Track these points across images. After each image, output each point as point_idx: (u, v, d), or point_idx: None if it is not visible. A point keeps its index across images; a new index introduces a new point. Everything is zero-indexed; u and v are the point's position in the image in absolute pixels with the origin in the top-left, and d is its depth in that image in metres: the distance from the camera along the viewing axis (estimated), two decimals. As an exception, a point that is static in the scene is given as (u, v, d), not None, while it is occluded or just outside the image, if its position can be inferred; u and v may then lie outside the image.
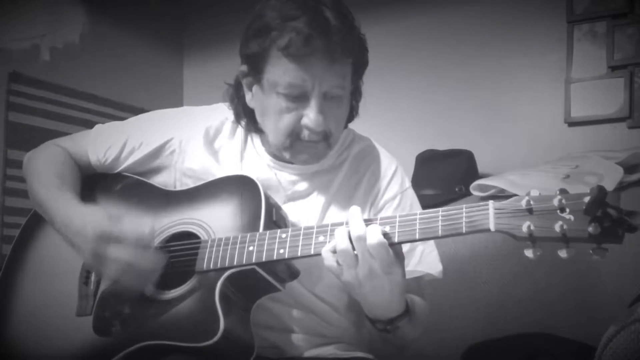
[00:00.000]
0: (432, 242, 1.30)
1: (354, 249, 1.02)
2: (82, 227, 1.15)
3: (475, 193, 1.95)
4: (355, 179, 1.32)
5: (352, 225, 1.03)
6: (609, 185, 1.63)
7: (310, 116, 1.17)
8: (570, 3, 2.28)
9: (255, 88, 1.24)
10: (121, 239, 1.11)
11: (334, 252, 1.04)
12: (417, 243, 1.27)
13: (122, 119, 1.45)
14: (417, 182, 2.18)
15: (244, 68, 1.24)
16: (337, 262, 1.04)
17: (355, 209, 1.05)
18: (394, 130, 2.54)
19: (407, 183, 1.36)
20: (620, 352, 1.03)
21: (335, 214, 1.27)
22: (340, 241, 1.03)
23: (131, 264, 1.11)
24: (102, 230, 1.12)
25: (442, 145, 2.31)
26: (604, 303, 1.62)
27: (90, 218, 1.15)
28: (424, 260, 1.28)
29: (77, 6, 2.70)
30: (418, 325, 1.21)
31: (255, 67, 1.20)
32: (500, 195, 1.78)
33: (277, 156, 1.30)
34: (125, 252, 1.11)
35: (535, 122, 2.34)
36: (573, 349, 1.55)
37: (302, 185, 1.30)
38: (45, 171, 1.32)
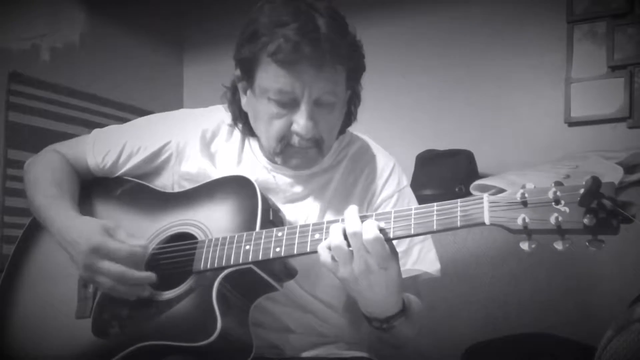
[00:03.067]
0: (430, 241, 1.30)
1: (349, 245, 1.02)
2: (77, 238, 1.18)
3: (476, 193, 1.95)
4: (352, 179, 1.32)
5: (347, 222, 1.02)
6: (609, 185, 1.63)
7: (300, 122, 1.17)
8: (570, 3, 2.28)
9: (249, 92, 1.25)
10: (112, 255, 1.14)
11: (329, 248, 1.04)
12: (415, 242, 1.27)
13: (122, 119, 1.45)
14: (417, 182, 2.19)
15: (238, 72, 1.25)
16: (333, 258, 1.04)
17: (352, 207, 1.05)
18: (394, 131, 2.54)
19: (405, 182, 1.35)
20: (620, 352, 1.03)
21: (333, 215, 1.27)
22: (334, 237, 1.03)
23: (120, 280, 1.13)
24: (96, 244, 1.14)
25: (442, 145, 2.31)
26: (604, 303, 1.62)
27: (86, 231, 1.17)
28: (422, 259, 1.27)
29: (77, 6, 2.69)
30: (414, 325, 1.21)
31: (248, 72, 1.21)
32: (500, 195, 1.78)
33: (272, 159, 1.30)
34: (116, 268, 1.13)
35: (535, 122, 2.34)
36: (573, 349, 1.55)
37: (300, 187, 1.30)
38: (43, 179, 1.33)
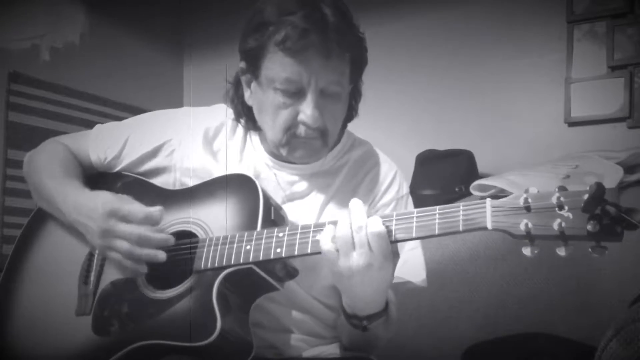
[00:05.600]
0: (419, 250, 1.30)
1: (352, 238, 1.02)
2: (92, 207, 1.18)
3: (475, 193, 1.95)
4: (353, 183, 1.32)
5: (354, 216, 1.03)
6: (609, 185, 1.63)
7: (306, 112, 1.17)
8: (570, 3, 2.28)
9: (253, 85, 1.24)
10: (130, 217, 1.14)
11: (333, 239, 1.04)
12: (404, 250, 1.26)
13: (122, 119, 1.45)
14: (417, 182, 2.19)
15: (243, 64, 1.25)
16: (336, 248, 1.04)
17: (356, 201, 1.05)
18: (394, 130, 2.55)
19: (405, 189, 1.35)
20: (620, 352, 1.03)
21: (332, 215, 1.27)
22: (340, 227, 1.03)
23: (139, 241, 1.13)
24: (113, 208, 1.15)
25: (442, 145, 2.31)
26: (604, 303, 1.62)
27: (100, 198, 1.19)
28: (408, 268, 1.26)
29: (77, 6, 2.70)
30: (390, 329, 1.21)
31: (253, 63, 1.21)
32: (501, 195, 1.77)
33: (276, 155, 1.30)
34: (134, 228, 1.14)
35: (535, 122, 2.34)
36: (573, 349, 1.55)
37: (301, 186, 1.30)
38: (50, 164, 1.33)
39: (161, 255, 1.15)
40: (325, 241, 1.04)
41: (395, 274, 1.20)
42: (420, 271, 1.28)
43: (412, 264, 1.27)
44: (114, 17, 2.83)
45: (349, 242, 1.02)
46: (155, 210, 1.16)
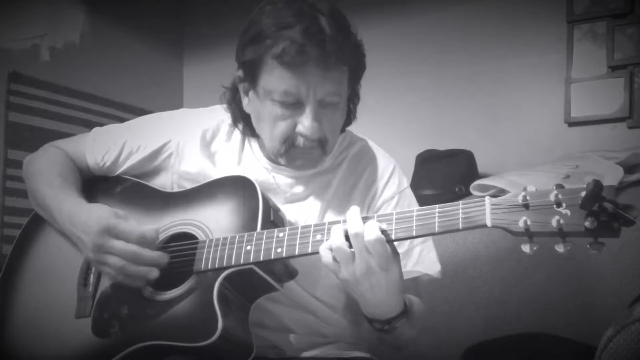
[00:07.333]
0: (430, 242, 1.30)
1: (350, 246, 1.02)
2: (87, 220, 1.18)
3: (476, 193, 1.95)
4: (352, 180, 1.32)
5: (349, 223, 1.03)
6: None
7: (305, 124, 1.17)
8: (570, 3, 2.28)
9: (251, 94, 1.24)
10: (124, 235, 1.14)
11: (331, 249, 1.04)
12: (416, 243, 1.27)
13: (122, 119, 1.45)
14: (417, 182, 2.19)
15: (240, 73, 1.24)
16: (334, 259, 1.04)
17: (354, 208, 1.05)
18: (394, 130, 2.55)
19: (405, 183, 1.36)
20: (620, 352, 1.03)
21: (333, 216, 1.27)
22: (335, 238, 1.03)
23: (133, 259, 1.13)
24: (107, 224, 1.15)
25: (442, 145, 2.31)
26: (604, 303, 1.62)
27: (96, 213, 1.18)
28: (422, 260, 1.27)
29: (77, 6, 2.70)
30: (415, 326, 1.21)
31: (251, 73, 1.20)
32: (500, 195, 1.78)
33: (274, 159, 1.30)
34: (128, 246, 1.13)
35: (535, 122, 2.34)
36: (573, 349, 1.55)
37: (300, 188, 1.30)
38: (47, 171, 1.33)
39: (154, 273, 1.15)
40: (325, 253, 1.05)
41: (411, 268, 1.21)
42: (435, 262, 1.29)
43: (425, 256, 1.28)
44: (114, 17, 2.82)
45: (347, 252, 1.02)
46: (150, 230, 1.15)
